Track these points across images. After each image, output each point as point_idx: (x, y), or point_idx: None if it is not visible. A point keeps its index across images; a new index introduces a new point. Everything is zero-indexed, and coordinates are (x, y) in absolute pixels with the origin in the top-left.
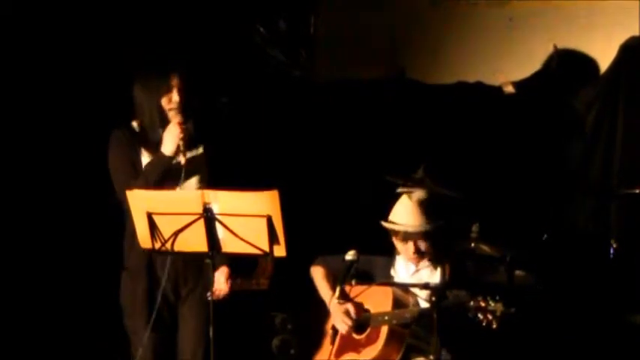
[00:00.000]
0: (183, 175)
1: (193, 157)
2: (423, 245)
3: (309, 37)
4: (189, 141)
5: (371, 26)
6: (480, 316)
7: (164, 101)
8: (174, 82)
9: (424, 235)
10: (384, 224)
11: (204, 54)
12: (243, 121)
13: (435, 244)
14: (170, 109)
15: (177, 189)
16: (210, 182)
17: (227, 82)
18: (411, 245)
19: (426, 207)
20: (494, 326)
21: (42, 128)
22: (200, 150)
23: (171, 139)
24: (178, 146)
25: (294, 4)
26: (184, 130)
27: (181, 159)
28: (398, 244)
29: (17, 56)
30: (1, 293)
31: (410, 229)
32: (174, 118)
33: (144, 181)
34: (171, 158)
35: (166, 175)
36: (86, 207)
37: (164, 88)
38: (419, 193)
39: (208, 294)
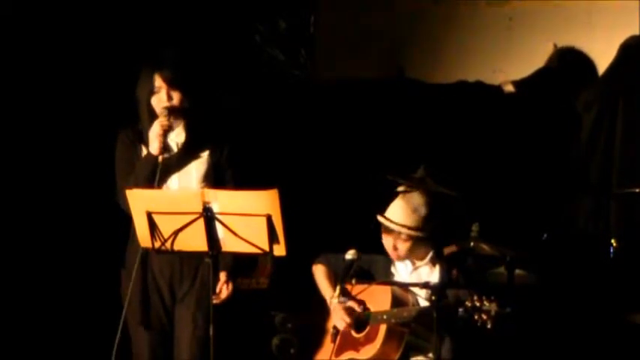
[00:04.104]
0: (158, 174)
1: (184, 156)
2: (400, 245)
3: (309, 37)
4: (188, 140)
5: (371, 26)
6: (475, 315)
7: (154, 100)
8: (158, 82)
9: (401, 235)
10: (378, 216)
11: (203, 53)
12: (243, 121)
13: (419, 248)
14: (159, 108)
15: (162, 188)
16: (211, 182)
17: (227, 82)
18: (390, 241)
19: (414, 211)
20: (489, 326)
21: (43, 129)
22: (183, 146)
23: (153, 138)
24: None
25: (294, 4)
26: (165, 128)
27: (159, 158)
28: (382, 236)
29: (18, 56)
30: (1, 293)
31: (387, 224)
32: (160, 116)
33: (134, 180)
34: (157, 157)
35: (155, 174)
36: (88, 206)
37: (151, 87)
38: (414, 196)
39: (214, 297)
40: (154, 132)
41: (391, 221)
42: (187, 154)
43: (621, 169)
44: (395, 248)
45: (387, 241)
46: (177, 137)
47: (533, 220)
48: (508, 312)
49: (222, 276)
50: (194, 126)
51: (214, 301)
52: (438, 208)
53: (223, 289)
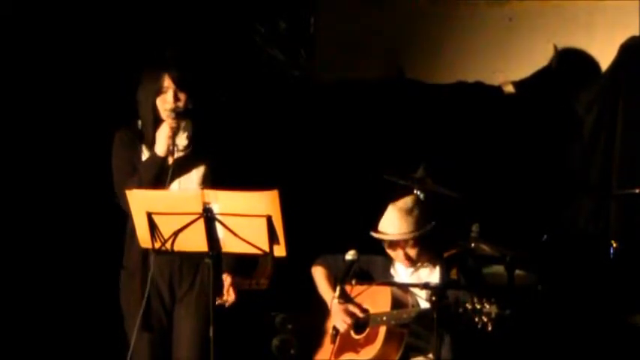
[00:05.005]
0: (169, 175)
1: (185, 158)
2: (411, 252)
3: (309, 37)
4: (189, 143)
5: (371, 26)
6: (475, 317)
7: (159, 101)
8: (167, 82)
9: (409, 242)
10: (372, 234)
11: (204, 54)
12: (243, 121)
13: (427, 247)
14: (165, 110)
15: (169, 189)
16: (211, 182)
17: (227, 82)
18: (400, 252)
19: (410, 214)
20: (489, 328)
21: (43, 129)
22: (188, 148)
23: (162, 139)
24: (169, 146)
25: (294, 4)
26: (174, 130)
27: (170, 159)
28: (388, 251)
29: (18, 56)
30: (1, 293)
31: (392, 238)
32: (167, 118)
33: (138, 181)
34: (164, 158)
35: (161, 175)
36: (87, 207)
37: (158, 88)
38: (403, 201)
39: (220, 299)
40: (163, 134)
41: (393, 234)
42: (192, 155)
43: (621, 170)
44: (407, 257)
45: (396, 253)
46: (177, 139)
47: (533, 220)
48: (508, 314)
49: (228, 278)
50: (198, 127)
51: (219, 301)
52: (428, 203)
53: (231, 293)
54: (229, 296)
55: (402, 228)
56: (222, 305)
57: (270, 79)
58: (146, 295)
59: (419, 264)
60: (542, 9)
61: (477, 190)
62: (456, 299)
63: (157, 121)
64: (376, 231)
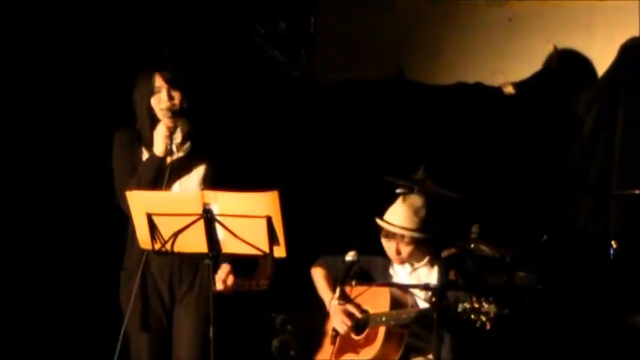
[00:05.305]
0: (167, 176)
1: (185, 159)
2: (403, 248)
3: (309, 37)
4: (183, 141)
5: (371, 26)
6: (474, 317)
7: (154, 101)
8: (159, 82)
9: (405, 238)
10: (377, 219)
11: (203, 54)
12: (243, 122)
13: (421, 249)
14: (160, 109)
15: (170, 190)
16: (211, 183)
17: (227, 83)
18: (393, 245)
19: (417, 214)
20: (488, 327)
21: (43, 129)
22: (188, 148)
23: (159, 139)
24: (167, 146)
25: (294, 4)
26: (170, 129)
27: (168, 160)
28: (383, 240)
29: (18, 56)
30: (1, 293)
31: (390, 229)
32: (164, 118)
33: (137, 182)
34: (162, 158)
35: (159, 176)
36: (88, 207)
37: (151, 87)
38: (414, 198)
39: (214, 288)
40: (160, 134)
41: (394, 225)
42: (192, 156)
43: (621, 170)
44: (398, 252)
45: (390, 245)
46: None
47: (533, 221)
48: (507, 313)
49: (226, 267)
50: (196, 127)
51: (218, 289)
52: (437, 209)
53: (229, 278)
54: (227, 282)
55: (404, 223)
56: (223, 293)
57: (270, 80)
58: (133, 295)
59: (416, 264)
60: (541, 9)
61: (477, 191)
62: (455, 299)
63: (154, 121)
64: (381, 218)
